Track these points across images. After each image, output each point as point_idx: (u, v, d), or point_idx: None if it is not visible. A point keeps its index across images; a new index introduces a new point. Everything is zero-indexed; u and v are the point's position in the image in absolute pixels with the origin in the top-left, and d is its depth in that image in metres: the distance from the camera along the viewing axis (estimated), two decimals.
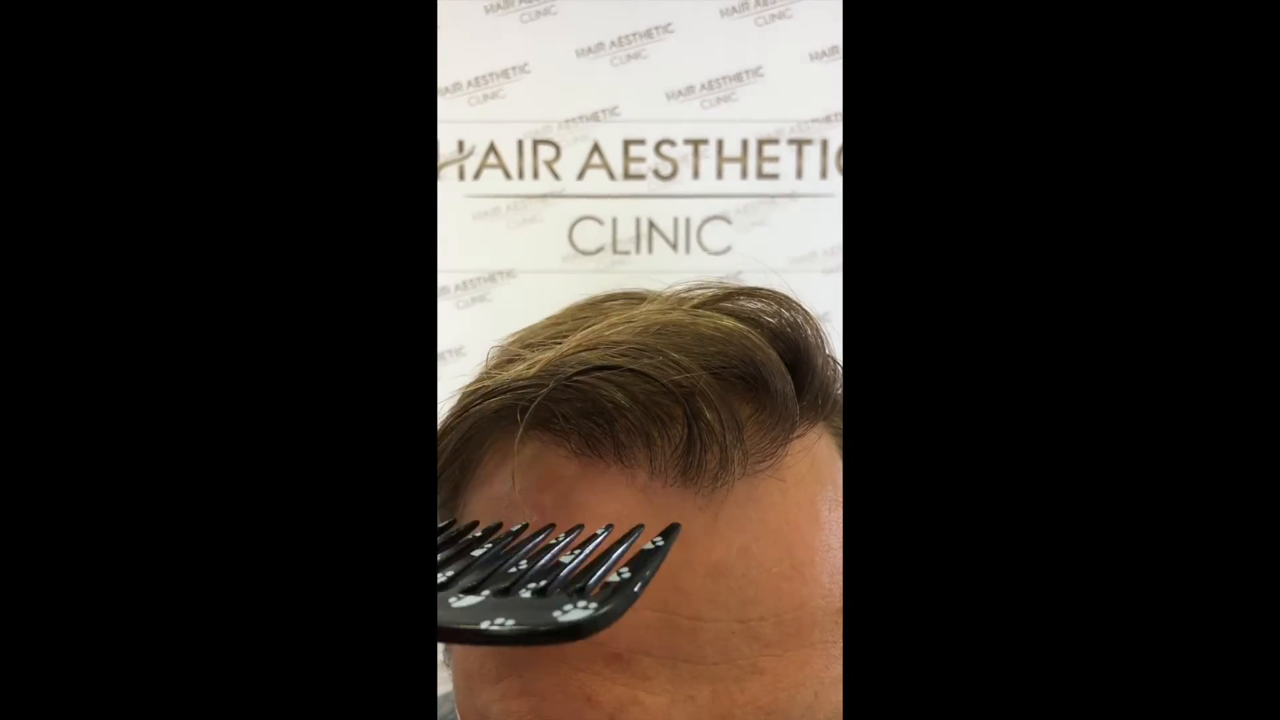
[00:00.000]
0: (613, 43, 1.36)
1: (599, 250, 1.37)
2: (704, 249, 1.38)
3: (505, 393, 0.30)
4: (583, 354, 0.30)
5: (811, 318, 0.32)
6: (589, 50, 1.36)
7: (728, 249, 1.38)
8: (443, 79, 1.36)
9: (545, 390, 0.29)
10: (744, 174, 1.37)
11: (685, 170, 1.37)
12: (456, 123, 1.37)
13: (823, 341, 0.31)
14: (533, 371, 0.31)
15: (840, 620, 0.29)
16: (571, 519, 0.28)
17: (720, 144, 1.37)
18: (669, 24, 1.36)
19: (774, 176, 1.37)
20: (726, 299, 0.33)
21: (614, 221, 1.38)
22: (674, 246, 1.38)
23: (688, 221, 1.38)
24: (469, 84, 1.37)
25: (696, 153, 1.37)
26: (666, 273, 1.36)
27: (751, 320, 0.31)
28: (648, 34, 1.36)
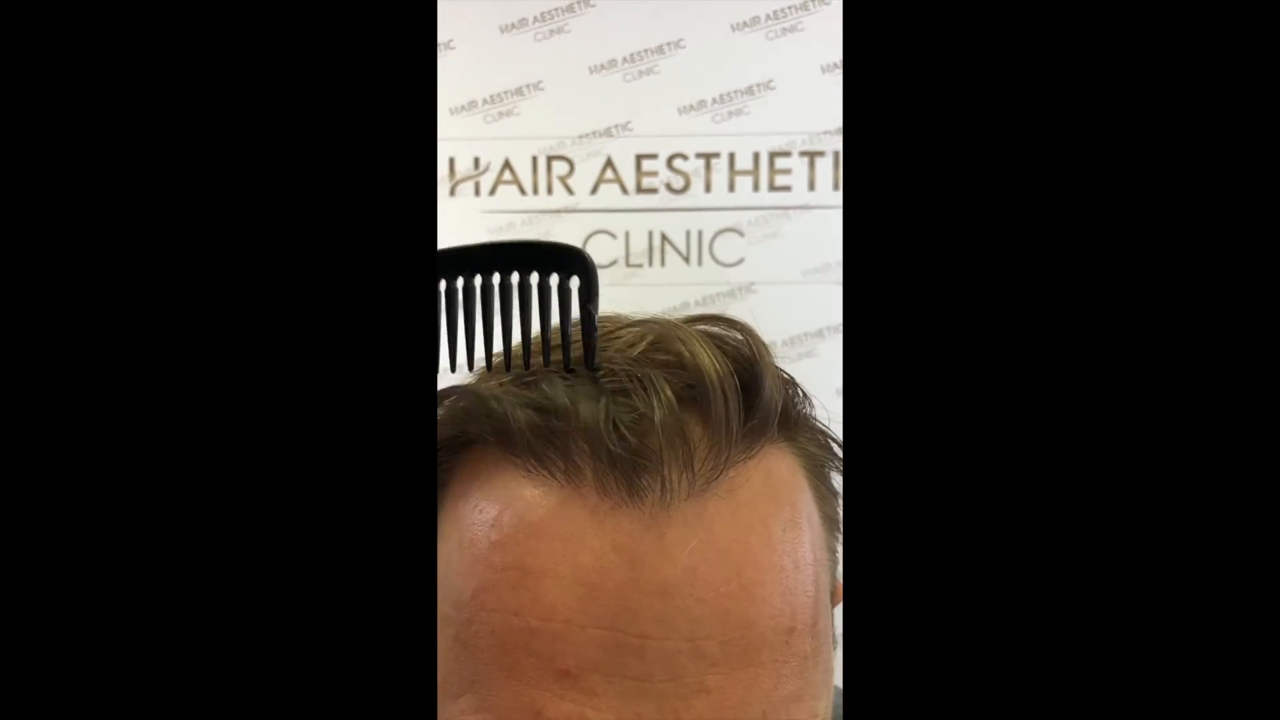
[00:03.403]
0: (625, 59, 1.37)
1: (612, 264, 1.38)
2: (716, 261, 1.38)
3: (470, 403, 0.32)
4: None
5: (759, 340, 0.32)
6: (602, 67, 1.37)
7: (740, 261, 1.38)
8: (458, 97, 1.38)
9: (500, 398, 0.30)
10: (756, 186, 1.37)
11: (697, 183, 1.38)
12: (472, 140, 1.39)
13: (771, 363, 0.32)
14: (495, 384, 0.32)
15: (790, 640, 0.29)
16: (528, 539, 0.29)
17: (732, 157, 1.37)
18: (680, 40, 1.37)
19: (786, 189, 1.37)
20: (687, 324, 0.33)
21: (627, 235, 1.39)
22: (686, 259, 1.38)
23: (700, 234, 1.38)
24: (484, 102, 1.38)
25: (708, 166, 1.38)
26: (679, 285, 1.37)
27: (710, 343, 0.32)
28: (659, 50, 1.37)
